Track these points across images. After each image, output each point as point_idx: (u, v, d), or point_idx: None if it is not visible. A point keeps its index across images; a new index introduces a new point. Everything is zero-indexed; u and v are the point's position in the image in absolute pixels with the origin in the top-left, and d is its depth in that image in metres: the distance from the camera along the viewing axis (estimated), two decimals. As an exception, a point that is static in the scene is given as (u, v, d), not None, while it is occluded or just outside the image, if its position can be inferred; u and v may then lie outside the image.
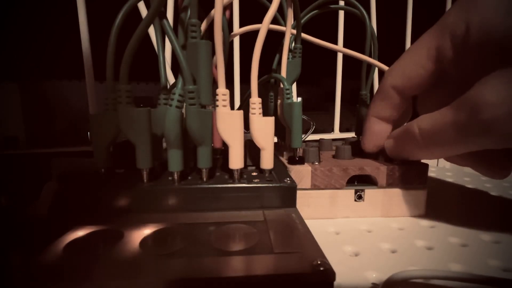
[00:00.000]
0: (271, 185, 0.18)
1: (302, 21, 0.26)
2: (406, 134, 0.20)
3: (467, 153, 0.18)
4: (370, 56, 0.27)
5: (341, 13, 0.48)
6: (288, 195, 0.18)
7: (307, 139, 0.32)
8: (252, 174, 0.20)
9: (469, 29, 0.16)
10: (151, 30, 0.35)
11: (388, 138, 0.22)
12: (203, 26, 0.20)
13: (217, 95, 0.18)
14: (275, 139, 0.29)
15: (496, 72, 0.15)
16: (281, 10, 0.25)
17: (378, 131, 0.23)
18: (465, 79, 0.16)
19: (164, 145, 0.20)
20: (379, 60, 0.27)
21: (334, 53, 0.50)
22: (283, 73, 0.22)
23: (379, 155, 0.23)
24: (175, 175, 0.18)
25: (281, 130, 0.26)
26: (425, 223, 0.21)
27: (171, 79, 0.34)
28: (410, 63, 0.20)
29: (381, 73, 0.26)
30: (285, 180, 0.19)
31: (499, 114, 0.14)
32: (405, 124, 0.21)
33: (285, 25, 0.21)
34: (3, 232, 0.15)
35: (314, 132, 0.34)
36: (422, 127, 0.18)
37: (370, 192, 0.22)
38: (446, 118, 0.17)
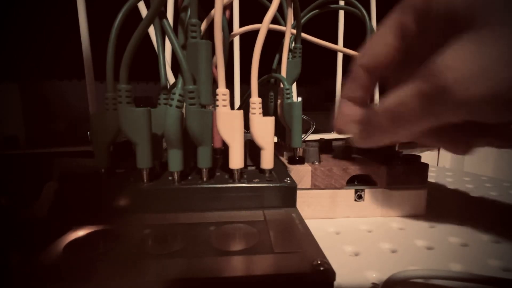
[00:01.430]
0: (271, 185, 0.18)
1: (302, 21, 0.25)
2: (371, 116, 0.19)
3: (431, 131, 0.18)
4: (370, 56, 0.27)
5: (341, 13, 0.48)
6: (288, 195, 0.18)
7: (307, 139, 0.32)
8: (252, 174, 0.20)
9: (429, 1, 0.16)
10: (151, 30, 0.34)
11: (351, 122, 0.21)
12: (203, 26, 0.19)
13: (217, 95, 0.18)
14: (275, 139, 0.29)
15: (456, 38, 0.15)
16: (281, 10, 0.25)
17: (347, 113, 0.22)
18: (430, 53, 0.16)
19: (164, 145, 0.20)
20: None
21: (334, 53, 0.50)
22: (283, 73, 0.22)
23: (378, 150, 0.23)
24: (175, 175, 0.18)
25: (281, 130, 0.26)
26: (425, 223, 0.21)
27: (171, 79, 0.34)
28: (376, 42, 0.20)
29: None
30: (285, 180, 0.19)
31: (459, 76, 0.14)
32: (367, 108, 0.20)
33: (285, 25, 0.21)
34: (3, 232, 0.15)
35: (314, 132, 0.34)
36: (385, 104, 0.18)
37: (370, 192, 0.22)
38: (408, 90, 0.16)
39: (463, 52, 0.14)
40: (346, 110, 0.21)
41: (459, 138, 0.18)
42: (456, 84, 0.14)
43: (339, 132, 0.22)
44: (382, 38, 0.19)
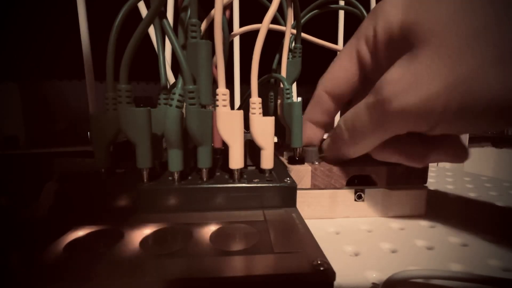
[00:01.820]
0: (271, 185, 0.18)
1: (302, 21, 0.26)
2: (336, 133, 0.21)
3: (387, 146, 0.19)
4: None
5: (341, 13, 0.48)
6: (288, 195, 0.18)
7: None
8: (252, 174, 0.20)
9: (376, 30, 0.18)
10: (151, 30, 0.35)
11: (325, 141, 0.23)
12: (203, 26, 0.20)
13: (217, 95, 0.18)
14: (275, 139, 0.29)
15: (398, 59, 0.16)
16: (281, 10, 0.25)
17: (311, 135, 0.24)
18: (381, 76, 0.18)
19: (164, 145, 0.20)
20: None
21: (334, 53, 0.50)
22: (283, 73, 0.22)
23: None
24: (175, 175, 0.18)
25: (281, 130, 0.26)
26: (425, 223, 0.21)
27: (171, 79, 0.34)
28: (337, 68, 0.22)
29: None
30: (285, 180, 0.19)
31: (394, 89, 0.16)
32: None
33: (285, 25, 0.21)
34: (3, 232, 0.15)
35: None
36: (345, 121, 0.20)
37: (370, 192, 0.22)
38: (361, 105, 0.19)
39: (399, 69, 0.16)
40: (309, 132, 0.24)
41: (413, 150, 0.19)
42: (392, 96, 0.16)
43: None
44: (341, 64, 0.21)
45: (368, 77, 0.20)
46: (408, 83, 0.15)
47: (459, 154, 0.18)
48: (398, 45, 0.17)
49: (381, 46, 0.18)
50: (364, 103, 0.18)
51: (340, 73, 0.21)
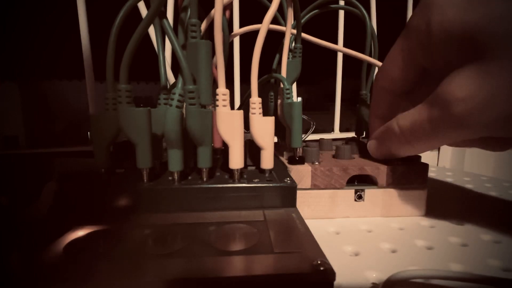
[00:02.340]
0: (271, 185, 0.18)
1: (302, 21, 0.25)
2: (388, 133, 0.21)
3: (465, 140, 0.19)
4: (370, 55, 0.27)
5: (341, 13, 0.48)
6: (288, 195, 0.18)
7: (307, 139, 0.32)
8: (252, 174, 0.20)
9: (430, 29, 0.17)
10: (151, 30, 0.35)
11: (369, 139, 0.23)
12: (203, 26, 0.20)
13: (217, 95, 0.18)
14: (275, 139, 0.29)
15: (461, 68, 0.15)
16: (281, 10, 0.25)
17: (375, 129, 0.23)
18: (440, 74, 0.17)
19: (164, 145, 0.20)
20: (379, 60, 0.27)
21: (334, 53, 0.50)
22: (283, 73, 0.22)
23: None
24: (175, 175, 0.18)
25: (281, 130, 0.26)
26: (425, 223, 0.21)
27: (171, 79, 0.34)
28: (390, 66, 0.21)
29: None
30: (285, 180, 0.19)
31: (469, 108, 0.15)
32: (384, 124, 0.22)
33: (285, 25, 0.21)
34: (3, 232, 0.15)
35: (314, 132, 0.34)
36: (401, 125, 0.19)
37: (370, 192, 0.22)
38: (422, 115, 0.18)
39: (470, 83, 0.15)
40: (378, 126, 0.23)
41: (492, 141, 0.19)
42: (467, 115, 0.15)
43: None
44: (393, 61, 0.20)
45: (425, 71, 0.19)
46: (484, 101, 0.15)
47: None
48: (458, 48, 0.16)
49: (437, 46, 0.17)
50: (427, 115, 0.17)
51: (394, 71, 0.20)
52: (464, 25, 0.15)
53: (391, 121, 0.20)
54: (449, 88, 0.16)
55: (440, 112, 0.16)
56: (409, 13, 0.50)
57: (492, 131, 0.16)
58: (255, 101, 0.19)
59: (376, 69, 0.33)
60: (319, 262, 0.12)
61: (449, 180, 0.33)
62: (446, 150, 0.58)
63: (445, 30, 0.16)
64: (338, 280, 0.12)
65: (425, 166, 0.22)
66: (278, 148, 0.26)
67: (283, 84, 0.22)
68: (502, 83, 0.14)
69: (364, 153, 0.24)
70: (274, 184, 0.18)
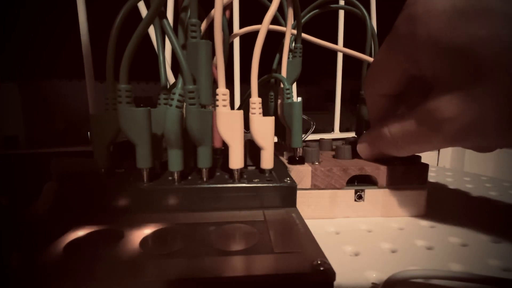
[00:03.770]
0: (271, 185, 0.18)
1: (302, 21, 0.25)
2: (379, 139, 0.21)
3: None
4: (370, 55, 0.27)
5: (341, 13, 0.48)
6: (288, 195, 0.18)
7: (307, 139, 0.32)
8: (252, 174, 0.20)
9: (416, 41, 0.16)
10: (151, 30, 0.35)
11: (359, 143, 0.23)
12: (203, 26, 0.20)
13: (217, 95, 0.18)
14: (275, 139, 0.29)
15: (448, 86, 0.16)
16: (281, 10, 0.25)
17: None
18: (428, 82, 0.17)
19: (164, 145, 0.20)
20: (379, 60, 0.27)
21: (334, 53, 0.50)
22: (283, 73, 0.22)
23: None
24: (175, 175, 0.18)
25: (281, 130, 0.26)
26: (425, 223, 0.21)
27: (171, 79, 0.34)
28: (378, 72, 0.21)
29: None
30: (285, 180, 0.19)
31: (457, 128, 0.16)
32: (374, 129, 0.22)
33: (285, 25, 0.21)
34: (3, 232, 0.15)
35: (314, 132, 0.34)
36: (393, 133, 0.20)
37: (370, 192, 0.22)
38: (412, 127, 0.18)
39: (457, 105, 0.15)
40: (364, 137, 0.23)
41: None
42: (453, 133, 0.16)
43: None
44: (381, 69, 0.21)
45: (412, 75, 0.19)
46: (470, 123, 0.15)
47: None
48: (446, 63, 0.16)
49: (423, 56, 0.17)
50: (416, 128, 0.18)
51: (381, 75, 0.21)
52: (452, 44, 0.15)
53: (382, 127, 0.21)
54: (438, 105, 0.16)
55: (429, 127, 0.17)
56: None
57: (480, 144, 0.17)
58: (255, 101, 0.19)
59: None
60: (319, 262, 0.12)
61: (449, 180, 0.33)
62: (446, 150, 0.58)
63: (432, 44, 0.16)
64: (338, 280, 0.12)
65: (425, 166, 0.22)
66: (278, 148, 0.26)
67: (283, 84, 0.22)
68: (486, 108, 0.14)
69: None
70: (274, 184, 0.18)
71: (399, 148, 0.20)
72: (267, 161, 0.19)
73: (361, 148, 0.23)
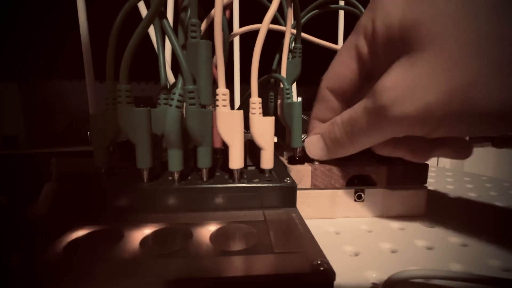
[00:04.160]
0: (271, 185, 0.18)
1: (302, 21, 0.26)
2: (330, 130, 0.21)
3: (390, 142, 0.19)
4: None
5: (341, 13, 0.48)
6: (288, 195, 0.18)
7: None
8: (252, 174, 0.20)
9: (375, 26, 0.17)
10: (151, 30, 0.34)
11: (309, 135, 0.23)
12: (203, 26, 0.20)
13: (217, 95, 0.18)
14: (275, 139, 0.29)
15: (397, 61, 0.16)
16: (281, 10, 0.25)
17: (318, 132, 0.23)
18: (381, 74, 0.17)
19: (164, 145, 0.20)
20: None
21: (334, 53, 0.50)
22: (283, 73, 0.22)
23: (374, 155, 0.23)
24: (175, 175, 0.18)
25: (281, 130, 0.26)
26: (425, 223, 0.21)
27: (171, 79, 0.34)
28: (338, 64, 0.21)
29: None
30: (285, 180, 0.19)
31: (393, 96, 0.15)
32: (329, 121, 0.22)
33: (285, 25, 0.21)
34: (3, 232, 0.15)
35: (314, 132, 0.34)
36: (343, 118, 0.19)
37: (370, 192, 0.22)
38: (359, 107, 0.18)
39: (398, 74, 0.16)
40: (317, 131, 0.23)
41: (417, 146, 0.19)
42: (390, 103, 0.16)
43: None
44: (341, 60, 0.20)
45: (370, 73, 0.20)
46: (407, 90, 0.15)
47: (462, 151, 0.18)
48: (397, 45, 0.16)
49: (380, 43, 0.17)
50: (362, 107, 0.18)
51: (341, 69, 0.21)
52: (401, 23, 0.16)
53: (335, 117, 0.20)
54: (381, 80, 0.16)
55: (371, 103, 0.17)
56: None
57: (413, 127, 0.16)
58: (255, 101, 0.19)
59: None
60: (319, 262, 0.12)
61: (449, 180, 0.33)
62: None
63: (386, 29, 0.16)
64: (338, 280, 0.12)
65: (425, 166, 0.22)
66: (278, 148, 0.26)
67: (283, 84, 0.22)
68: (424, 72, 0.15)
69: (364, 153, 0.24)
70: (274, 184, 0.18)
71: (348, 139, 0.19)
72: (267, 161, 0.19)
73: (309, 142, 0.22)
